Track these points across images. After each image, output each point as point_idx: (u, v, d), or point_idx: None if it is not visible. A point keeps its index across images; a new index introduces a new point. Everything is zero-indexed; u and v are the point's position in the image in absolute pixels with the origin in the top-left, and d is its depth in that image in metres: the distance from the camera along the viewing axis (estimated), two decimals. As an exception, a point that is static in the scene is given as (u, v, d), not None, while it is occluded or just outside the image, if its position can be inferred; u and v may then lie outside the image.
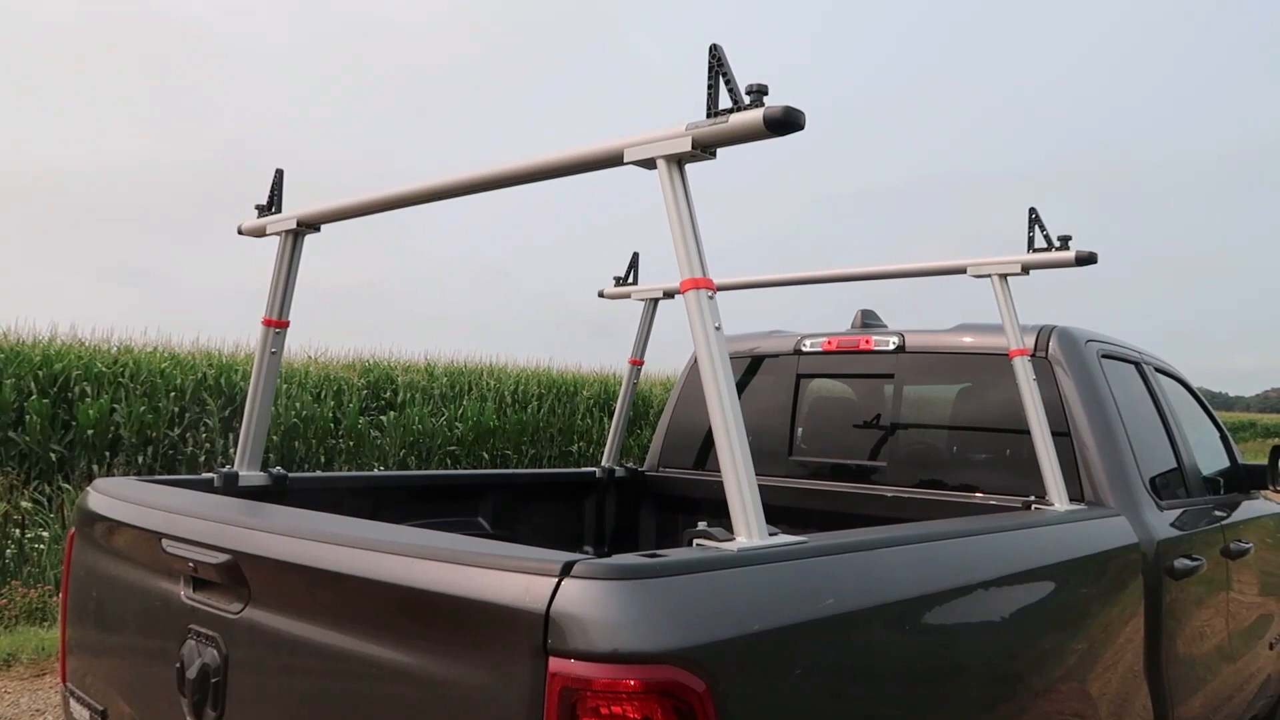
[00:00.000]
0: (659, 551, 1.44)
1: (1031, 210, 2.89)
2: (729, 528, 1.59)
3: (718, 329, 1.70)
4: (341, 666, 1.51)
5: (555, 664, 1.25)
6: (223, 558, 1.70)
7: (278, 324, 2.63)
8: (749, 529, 1.58)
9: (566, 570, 1.30)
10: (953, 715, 1.74)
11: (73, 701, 2.22)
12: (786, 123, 1.63)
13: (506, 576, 1.33)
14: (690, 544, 1.55)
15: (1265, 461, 3.67)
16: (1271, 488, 3.64)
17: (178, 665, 1.79)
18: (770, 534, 1.59)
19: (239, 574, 1.69)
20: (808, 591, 1.51)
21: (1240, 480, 3.70)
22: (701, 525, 1.57)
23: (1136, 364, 3.23)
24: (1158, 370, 3.42)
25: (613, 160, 1.87)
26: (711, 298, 1.72)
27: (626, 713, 1.24)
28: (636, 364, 3.86)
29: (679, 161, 1.76)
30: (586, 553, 1.37)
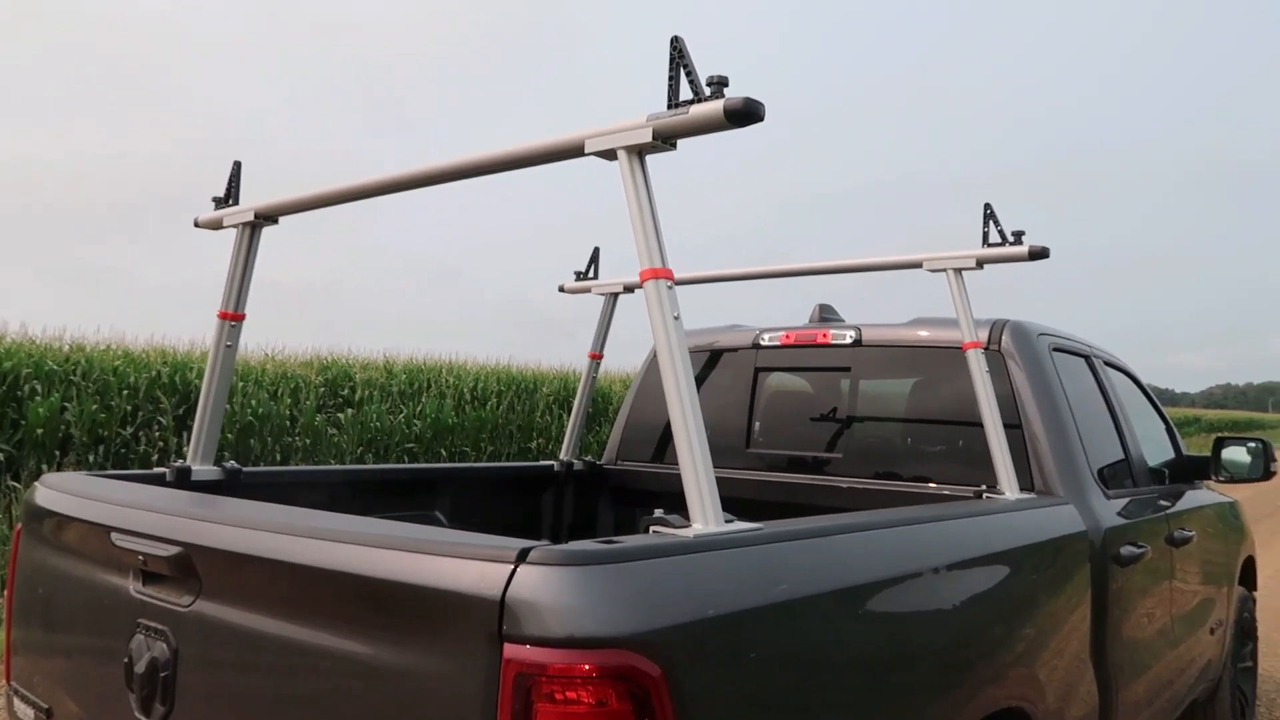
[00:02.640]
0: (615, 538, 1.44)
1: (986, 206, 2.94)
2: (686, 517, 1.60)
3: (676, 318, 1.72)
4: (294, 658, 1.49)
5: (510, 650, 1.25)
6: (173, 550, 1.68)
7: (233, 317, 2.60)
8: (705, 515, 1.59)
9: (522, 557, 1.30)
10: (904, 698, 1.77)
11: (16, 701, 2.16)
12: (746, 114, 1.64)
13: (462, 564, 1.33)
14: (647, 531, 1.55)
15: (1209, 453, 3.78)
16: (1214, 478, 3.74)
17: (125, 660, 1.76)
18: (726, 521, 1.60)
19: (190, 566, 1.67)
20: (762, 577, 1.53)
21: (1185, 471, 3.80)
22: (658, 513, 1.58)
23: (1087, 358, 3.31)
24: (1107, 364, 3.50)
25: (573, 151, 1.87)
26: (671, 288, 1.73)
27: (582, 698, 1.25)
28: (596, 358, 3.87)
29: (640, 152, 1.77)
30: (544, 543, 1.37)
